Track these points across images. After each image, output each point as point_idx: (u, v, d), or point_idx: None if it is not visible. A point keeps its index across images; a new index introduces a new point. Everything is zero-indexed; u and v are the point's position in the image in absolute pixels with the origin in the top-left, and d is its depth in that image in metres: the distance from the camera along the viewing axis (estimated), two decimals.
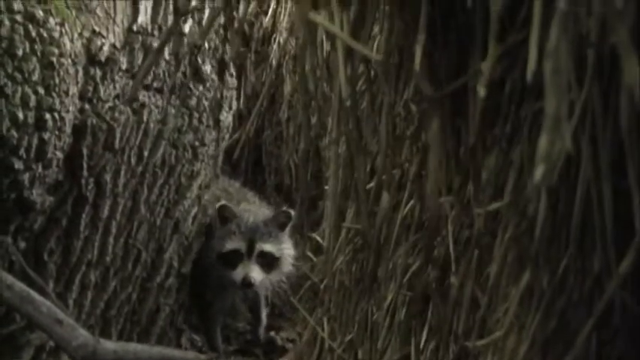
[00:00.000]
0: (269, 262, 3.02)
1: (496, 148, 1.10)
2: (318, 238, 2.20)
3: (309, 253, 2.75)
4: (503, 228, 1.08)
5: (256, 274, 2.96)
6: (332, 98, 1.10)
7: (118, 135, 2.44)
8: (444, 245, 1.38)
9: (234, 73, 2.85)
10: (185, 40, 2.62)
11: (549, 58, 0.66)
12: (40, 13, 2.13)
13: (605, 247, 1.00)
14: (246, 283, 2.93)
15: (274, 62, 3.38)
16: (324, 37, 1.26)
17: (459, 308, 1.30)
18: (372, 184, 1.25)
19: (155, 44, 2.49)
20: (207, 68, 2.72)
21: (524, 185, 1.07)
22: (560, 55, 0.66)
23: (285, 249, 3.07)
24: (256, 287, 3.02)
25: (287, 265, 3.08)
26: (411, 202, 1.55)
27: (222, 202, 3.01)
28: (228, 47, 2.77)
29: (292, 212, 3.05)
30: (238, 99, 3.28)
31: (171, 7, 2.52)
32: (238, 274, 2.95)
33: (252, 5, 3.36)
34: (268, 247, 3.01)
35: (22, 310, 1.89)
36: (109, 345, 1.85)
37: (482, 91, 0.87)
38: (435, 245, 1.39)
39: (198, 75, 2.68)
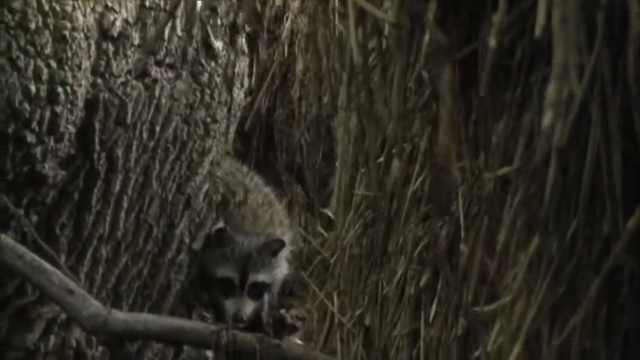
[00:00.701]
0: (261, 290, 3.09)
1: (506, 113, 1.10)
2: (330, 214, 2.20)
3: (321, 229, 2.75)
4: (513, 193, 1.08)
5: (248, 308, 3.05)
6: (343, 67, 1.10)
7: (130, 110, 2.45)
8: (454, 217, 1.39)
9: (246, 50, 2.85)
10: (197, 15, 2.62)
11: (557, 8, 0.66)
12: None
13: (614, 211, 1.00)
14: (238, 319, 2.99)
15: (286, 41, 3.37)
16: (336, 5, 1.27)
17: (468, 277, 1.30)
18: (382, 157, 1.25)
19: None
20: (219, 45, 2.71)
21: (534, 151, 1.07)
22: (568, 4, 0.66)
23: (278, 274, 3.13)
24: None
25: (279, 284, 3.17)
26: (422, 175, 1.55)
27: (221, 225, 3.03)
28: (240, 21, 2.77)
29: (285, 240, 3.09)
30: (250, 77, 3.28)
31: None
32: (230, 307, 3.04)
33: None
34: (261, 277, 3.07)
35: (33, 280, 1.91)
36: (120, 315, 1.86)
37: (492, 42, 0.87)
38: (447, 206, 1.40)
39: (210, 51, 2.68)
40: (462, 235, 1.34)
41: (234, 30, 2.78)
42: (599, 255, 1.03)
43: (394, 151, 1.25)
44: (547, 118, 0.71)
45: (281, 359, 1.79)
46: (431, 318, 1.83)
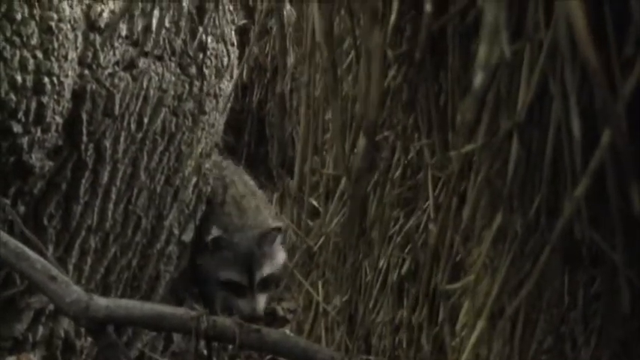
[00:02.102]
0: (270, 281, 3.13)
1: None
2: (314, 203, 2.21)
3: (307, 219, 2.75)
4: (476, 170, 1.09)
5: (261, 304, 3.09)
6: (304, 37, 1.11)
7: (117, 101, 2.45)
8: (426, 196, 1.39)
9: (235, 42, 2.85)
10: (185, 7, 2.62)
11: None
12: None
13: (575, 187, 1.00)
14: (256, 317, 3.01)
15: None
16: None
17: (438, 256, 1.30)
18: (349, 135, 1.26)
19: (155, 11, 2.49)
20: (208, 37, 2.72)
21: (498, 128, 1.07)
22: None
23: (279, 260, 3.13)
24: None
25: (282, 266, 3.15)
26: (395, 157, 1.55)
27: (216, 233, 3.03)
28: (229, 15, 2.78)
29: (281, 225, 3.08)
30: (241, 71, 3.28)
31: None
32: (245, 308, 3.07)
33: None
34: (266, 270, 3.09)
35: (16, 267, 1.91)
36: (102, 301, 1.87)
37: (428, 7, 0.88)
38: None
39: (198, 43, 2.69)
40: (432, 214, 1.34)
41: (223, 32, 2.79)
42: (563, 231, 1.03)
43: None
44: (477, 80, 0.71)
45: (260, 344, 1.80)
46: (412, 304, 1.83)
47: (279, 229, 3.08)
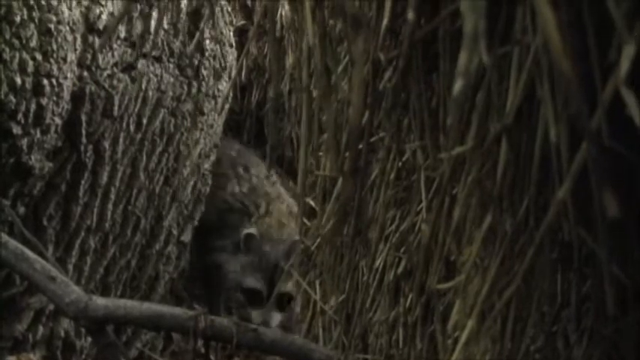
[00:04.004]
0: (287, 300, 3.09)
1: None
2: (312, 202, 2.22)
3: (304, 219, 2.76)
4: (467, 172, 1.10)
5: (275, 319, 3.06)
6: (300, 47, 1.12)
7: (116, 102, 2.47)
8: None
9: (233, 43, 2.87)
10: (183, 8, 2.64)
11: None
12: None
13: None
14: None
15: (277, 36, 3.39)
16: None
17: (430, 256, 1.32)
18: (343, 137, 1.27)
19: (154, 13, 2.51)
20: (206, 38, 2.74)
21: (487, 131, 1.09)
22: None
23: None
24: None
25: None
26: (389, 158, 1.57)
27: (251, 230, 3.06)
28: (227, 17, 2.80)
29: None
30: (240, 72, 3.30)
31: None
32: (256, 318, 3.03)
33: None
34: (289, 286, 3.07)
35: (16, 268, 1.94)
36: (101, 301, 1.89)
37: (411, 15, 0.89)
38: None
39: (196, 44, 2.71)
40: (424, 215, 1.36)
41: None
42: (550, 231, 1.05)
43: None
44: (457, 87, 0.73)
45: (257, 343, 1.82)
46: (408, 303, 1.85)
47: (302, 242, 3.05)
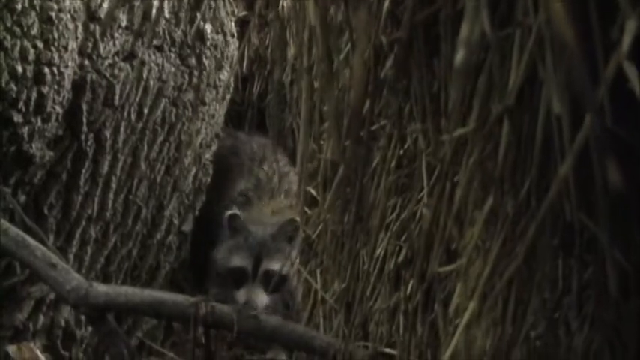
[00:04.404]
0: (276, 281, 2.89)
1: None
2: (312, 191, 2.22)
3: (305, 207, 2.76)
4: (469, 154, 1.10)
5: (260, 297, 2.88)
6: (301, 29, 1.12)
7: (117, 91, 2.47)
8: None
9: (235, 33, 2.87)
10: None
11: None
12: None
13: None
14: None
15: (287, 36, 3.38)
16: None
17: (432, 241, 1.32)
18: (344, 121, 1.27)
19: (155, 2, 2.51)
20: (208, 27, 2.73)
21: (489, 112, 1.09)
22: None
23: (294, 264, 2.92)
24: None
25: (293, 283, 2.99)
26: (391, 144, 1.57)
27: (234, 211, 2.97)
28: (228, 7, 2.79)
29: (299, 220, 2.88)
30: (242, 62, 3.30)
31: None
32: (241, 297, 2.88)
33: None
34: (275, 264, 2.92)
35: (17, 255, 1.93)
36: (101, 288, 1.89)
37: None
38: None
39: (198, 34, 2.70)
40: (426, 199, 1.36)
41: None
42: (551, 212, 1.05)
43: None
44: (459, 57, 0.73)
45: (258, 330, 1.82)
46: (408, 291, 1.85)
47: (294, 221, 2.92)
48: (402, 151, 1.68)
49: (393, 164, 1.66)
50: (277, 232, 2.95)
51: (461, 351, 1.20)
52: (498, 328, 1.18)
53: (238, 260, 2.95)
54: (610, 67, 0.76)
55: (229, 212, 2.95)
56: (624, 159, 1.01)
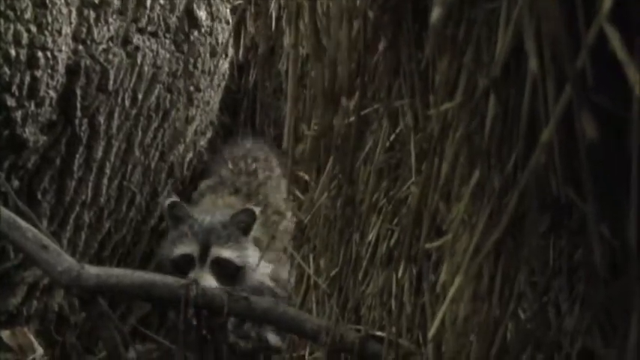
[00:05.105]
0: (228, 272, 2.66)
1: (449, 51, 1.12)
2: (305, 176, 2.21)
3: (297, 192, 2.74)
4: (455, 128, 1.10)
5: (208, 282, 2.55)
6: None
7: (111, 77, 2.47)
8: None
9: (230, 20, 2.86)
10: None
11: None
12: None
13: (550, 142, 1.01)
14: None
15: (274, 14, 3.38)
16: None
17: (420, 219, 1.31)
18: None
19: None
20: (202, 14, 2.73)
21: (475, 86, 1.09)
22: None
23: (250, 257, 2.69)
24: None
25: (253, 277, 2.71)
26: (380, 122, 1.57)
27: (174, 198, 2.71)
28: None
29: (256, 211, 2.71)
30: (237, 51, 3.29)
31: None
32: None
33: None
34: (226, 253, 2.66)
35: (9, 237, 1.93)
36: (93, 270, 1.89)
37: None
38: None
39: (192, 20, 2.70)
40: (414, 176, 1.36)
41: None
42: (536, 181, 1.05)
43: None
44: (435, 14, 0.73)
45: (249, 312, 1.82)
46: (399, 274, 1.84)
47: (252, 213, 2.69)
48: (393, 135, 1.68)
49: (386, 145, 1.65)
50: (230, 221, 2.69)
51: (447, 328, 1.20)
52: (485, 304, 1.18)
53: (182, 249, 2.66)
54: (592, 31, 0.76)
55: (168, 200, 2.70)
56: (608, 129, 1.00)
